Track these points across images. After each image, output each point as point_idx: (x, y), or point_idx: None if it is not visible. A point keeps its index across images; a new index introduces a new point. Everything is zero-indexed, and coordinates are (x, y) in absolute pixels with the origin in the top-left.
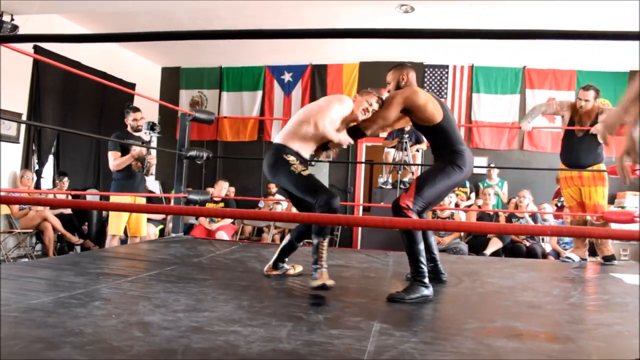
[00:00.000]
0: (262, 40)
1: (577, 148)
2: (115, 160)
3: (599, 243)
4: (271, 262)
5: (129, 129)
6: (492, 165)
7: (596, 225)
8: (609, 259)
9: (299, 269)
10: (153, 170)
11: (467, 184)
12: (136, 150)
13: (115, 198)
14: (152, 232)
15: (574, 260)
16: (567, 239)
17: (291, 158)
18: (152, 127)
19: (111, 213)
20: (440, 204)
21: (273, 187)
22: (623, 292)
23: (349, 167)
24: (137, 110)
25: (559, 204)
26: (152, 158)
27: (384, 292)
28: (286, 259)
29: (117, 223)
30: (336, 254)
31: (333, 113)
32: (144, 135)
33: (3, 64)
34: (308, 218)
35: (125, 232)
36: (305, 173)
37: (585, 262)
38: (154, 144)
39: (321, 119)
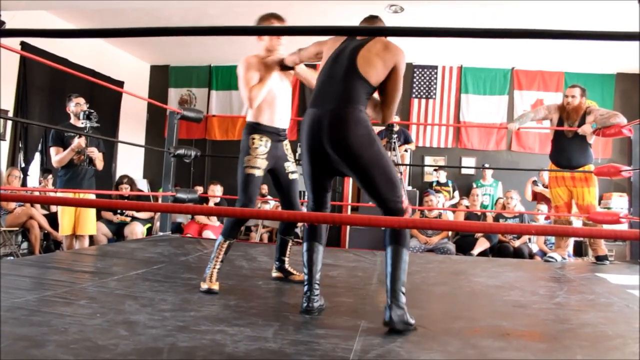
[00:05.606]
0: (251, 38)
1: (568, 149)
2: (56, 156)
3: (592, 243)
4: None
5: (72, 120)
6: (486, 165)
7: (590, 226)
8: (601, 258)
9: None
10: (99, 164)
11: (450, 183)
12: (75, 142)
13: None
14: (140, 230)
15: (556, 260)
16: (554, 240)
17: None
18: (88, 115)
19: (59, 213)
20: (428, 204)
21: (264, 188)
22: (608, 292)
23: None
24: (78, 96)
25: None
26: (93, 151)
27: (371, 291)
28: (285, 258)
29: (66, 222)
30: (324, 253)
31: None
32: (81, 124)
33: None
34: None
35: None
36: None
37: (566, 262)
38: (93, 133)
39: None
